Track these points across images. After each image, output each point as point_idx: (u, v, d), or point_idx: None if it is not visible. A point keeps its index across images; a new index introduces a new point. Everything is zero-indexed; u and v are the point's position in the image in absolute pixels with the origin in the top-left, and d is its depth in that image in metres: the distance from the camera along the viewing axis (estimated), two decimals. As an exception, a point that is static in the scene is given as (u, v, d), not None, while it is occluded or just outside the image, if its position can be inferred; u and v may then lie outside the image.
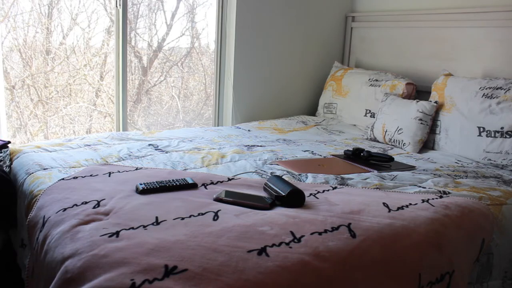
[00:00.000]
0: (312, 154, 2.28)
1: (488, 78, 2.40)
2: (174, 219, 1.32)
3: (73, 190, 1.55)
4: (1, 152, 2.02)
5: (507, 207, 1.68)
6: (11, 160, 2.02)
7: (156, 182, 1.59)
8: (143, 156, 2.07)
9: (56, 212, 1.39)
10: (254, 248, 1.17)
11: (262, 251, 1.17)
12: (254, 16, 3.13)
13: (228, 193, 1.53)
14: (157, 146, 2.24)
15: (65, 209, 1.40)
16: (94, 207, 1.40)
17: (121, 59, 2.80)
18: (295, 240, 1.23)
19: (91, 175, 1.71)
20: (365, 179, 1.87)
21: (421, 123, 2.47)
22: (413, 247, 1.35)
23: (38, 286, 1.33)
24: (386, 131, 2.62)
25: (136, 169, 1.82)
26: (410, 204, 1.55)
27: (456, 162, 2.24)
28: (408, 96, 2.82)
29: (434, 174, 2.00)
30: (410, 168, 2.10)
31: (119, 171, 1.77)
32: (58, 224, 1.33)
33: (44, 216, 1.43)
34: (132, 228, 1.25)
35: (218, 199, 1.49)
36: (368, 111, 2.98)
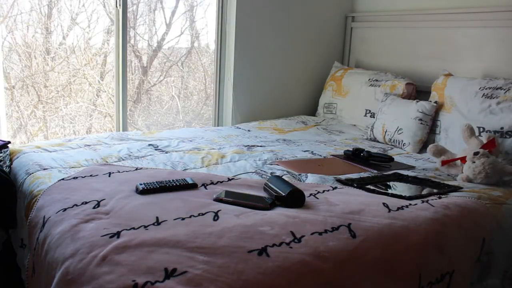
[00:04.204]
0: (312, 154, 2.28)
1: (488, 78, 2.40)
2: (175, 219, 1.32)
3: (73, 190, 1.55)
4: (1, 152, 2.02)
5: (506, 206, 1.69)
6: (11, 160, 2.02)
7: (156, 182, 1.59)
8: (143, 156, 2.07)
9: (56, 212, 1.39)
10: (255, 248, 1.18)
11: (262, 251, 1.17)
12: (254, 16, 3.13)
13: (228, 193, 1.53)
14: (157, 146, 2.24)
15: (65, 209, 1.40)
16: (94, 207, 1.40)
17: (121, 59, 2.80)
18: (296, 240, 1.23)
19: (91, 175, 1.71)
20: (365, 179, 1.87)
21: (421, 123, 2.47)
22: (413, 247, 1.35)
23: (39, 286, 1.33)
24: (386, 131, 2.62)
25: (136, 169, 1.82)
26: (410, 204, 1.55)
27: (456, 162, 2.24)
28: (408, 96, 2.82)
29: (434, 174, 2.00)
30: (410, 168, 2.11)
31: (119, 171, 1.77)
32: (58, 224, 1.33)
33: (44, 216, 1.43)
34: (133, 228, 1.26)
35: (218, 199, 1.49)
36: (368, 111, 2.99)
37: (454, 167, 2.04)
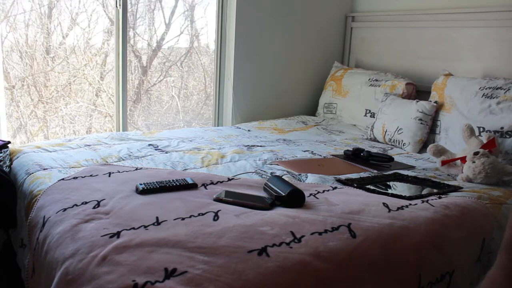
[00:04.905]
0: (312, 154, 2.28)
1: (488, 78, 2.40)
2: (175, 219, 1.32)
3: (73, 190, 1.55)
4: (1, 152, 2.02)
5: (506, 206, 1.69)
6: (11, 160, 2.02)
7: (156, 182, 1.59)
8: (143, 156, 2.07)
9: (56, 212, 1.39)
10: (255, 248, 1.18)
11: (262, 251, 1.17)
12: (254, 16, 3.13)
13: (228, 193, 1.53)
14: (157, 146, 2.24)
15: (65, 209, 1.40)
16: (94, 207, 1.40)
17: (121, 59, 2.80)
18: (296, 240, 1.23)
19: (91, 175, 1.71)
20: (365, 179, 1.87)
21: (421, 123, 2.47)
22: (413, 247, 1.35)
23: (39, 286, 1.33)
24: (386, 131, 2.62)
25: (136, 169, 1.82)
26: (410, 204, 1.55)
27: (456, 162, 2.24)
28: (408, 96, 2.82)
29: (434, 174, 2.00)
30: (410, 168, 2.10)
31: (119, 171, 1.77)
32: (58, 224, 1.33)
33: (44, 216, 1.43)
34: (133, 228, 1.26)
35: (218, 199, 1.49)
36: (368, 111, 2.99)
37: (454, 167, 2.04)
